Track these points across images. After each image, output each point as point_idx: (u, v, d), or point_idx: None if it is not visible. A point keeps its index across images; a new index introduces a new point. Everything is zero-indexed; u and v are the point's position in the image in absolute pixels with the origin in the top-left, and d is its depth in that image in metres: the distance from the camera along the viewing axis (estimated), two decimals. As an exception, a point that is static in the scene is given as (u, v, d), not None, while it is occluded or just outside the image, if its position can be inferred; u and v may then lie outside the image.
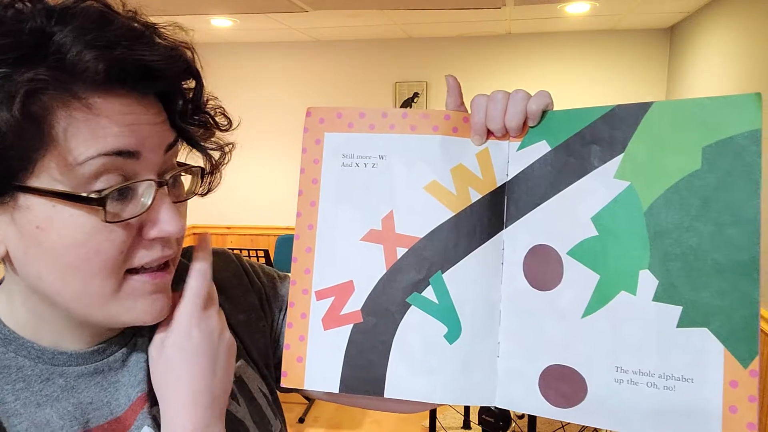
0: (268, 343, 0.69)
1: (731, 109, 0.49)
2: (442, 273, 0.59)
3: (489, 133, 0.59)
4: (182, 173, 0.54)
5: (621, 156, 0.53)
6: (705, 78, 3.22)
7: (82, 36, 0.44)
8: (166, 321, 0.54)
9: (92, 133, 0.44)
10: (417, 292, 0.59)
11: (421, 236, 0.60)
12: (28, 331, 0.51)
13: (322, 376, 0.60)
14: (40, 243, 0.46)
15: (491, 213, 0.59)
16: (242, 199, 4.46)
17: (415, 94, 4.19)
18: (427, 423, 2.97)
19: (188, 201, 0.57)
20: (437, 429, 3.00)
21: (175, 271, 0.55)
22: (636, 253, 0.52)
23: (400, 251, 0.60)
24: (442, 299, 0.59)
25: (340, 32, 4.03)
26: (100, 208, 0.45)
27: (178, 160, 0.55)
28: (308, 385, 0.60)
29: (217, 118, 0.57)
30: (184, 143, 0.56)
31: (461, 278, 0.59)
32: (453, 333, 0.59)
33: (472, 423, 3.07)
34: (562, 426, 2.90)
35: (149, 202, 0.48)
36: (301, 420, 3.20)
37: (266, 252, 3.42)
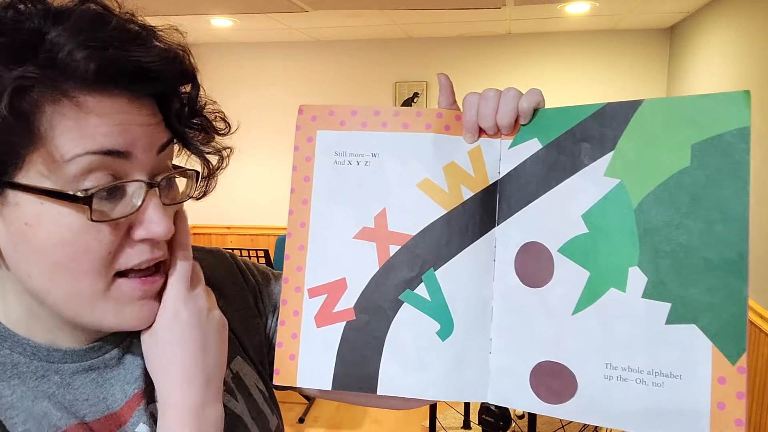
0: (263, 340, 0.69)
1: (720, 106, 0.49)
2: (435, 270, 0.59)
3: (481, 131, 0.59)
4: (177, 176, 0.54)
5: (611, 153, 0.54)
6: (705, 78, 3.22)
7: (75, 35, 0.44)
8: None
9: (81, 131, 0.44)
10: (410, 289, 0.60)
11: (414, 234, 0.60)
12: (23, 328, 0.51)
13: (314, 374, 0.60)
14: (29, 240, 0.46)
15: (483, 210, 0.59)
16: (242, 200, 4.46)
17: (415, 94, 4.20)
18: (427, 423, 2.97)
19: (188, 202, 0.57)
20: (437, 429, 3.00)
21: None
22: (626, 250, 0.52)
23: (393, 249, 0.60)
24: (435, 296, 0.59)
25: (340, 32, 4.03)
26: (86, 206, 0.45)
27: (176, 164, 0.55)
28: (301, 383, 0.60)
29: (215, 123, 0.57)
30: (182, 147, 0.56)
31: (454, 275, 0.59)
32: (445, 330, 0.59)
33: (472, 423, 3.07)
34: (562, 426, 2.90)
35: (139, 203, 0.48)
36: (301, 420, 3.21)
37: (266, 252, 3.43)
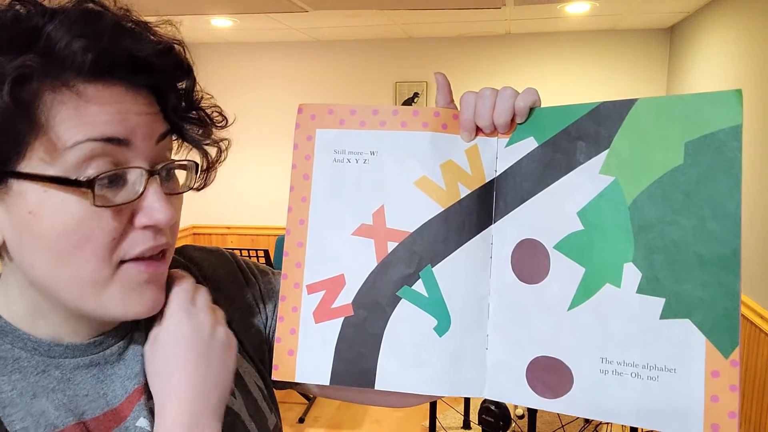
0: (263, 339, 0.69)
1: (713, 105, 0.50)
2: (432, 267, 0.60)
3: (478, 130, 0.60)
4: (176, 168, 0.55)
5: (606, 152, 0.54)
6: (705, 78, 3.22)
7: (71, 28, 0.45)
8: (159, 318, 0.55)
9: (81, 119, 0.46)
10: (407, 285, 0.60)
11: (412, 231, 0.60)
12: (25, 323, 0.52)
13: (313, 369, 0.61)
14: (33, 229, 0.47)
15: (480, 208, 0.60)
16: (242, 199, 4.47)
17: (415, 94, 4.20)
18: (427, 423, 2.98)
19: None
20: (437, 429, 3.00)
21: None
22: (620, 246, 0.53)
23: (391, 245, 0.61)
24: (432, 292, 0.60)
25: (340, 32, 4.04)
26: (89, 191, 0.46)
27: (175, 158, 0.55)
28: (299, 378, 0.61)
29: (212, 117, 0.58)
30: (180, 140, 0.56)
31: (451, 272, 0.59)
32: (443, 326, 0.59)
33: (472, 423, 3.07)
34: (562, 426, 2.90)
35: (140, 190, 0.49)
36: (301, 420, 3.21)
37: (266, 252, 3.43)
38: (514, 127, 0.59)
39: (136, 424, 0.53)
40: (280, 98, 4.38)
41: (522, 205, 0.58)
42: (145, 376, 0.55)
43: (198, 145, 0.57)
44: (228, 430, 0.56)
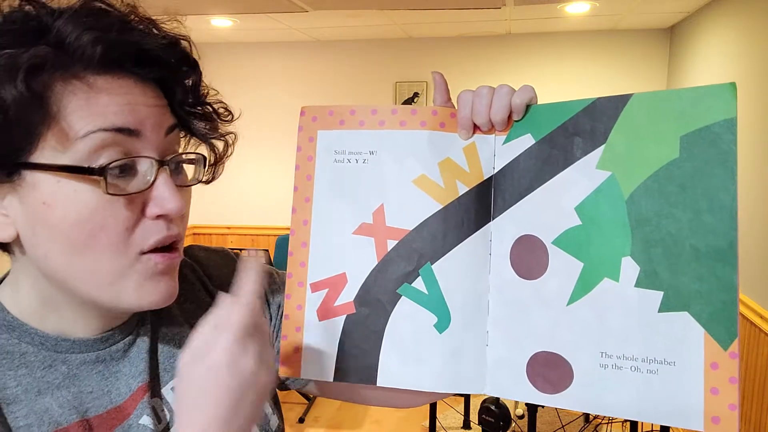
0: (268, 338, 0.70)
1: (707, 99, 0.50)
2: (432, 264, 0.60)
3: (475, 128, 0.60)
4: (185, 161, 0.56)
5: (602, 147, 0.55)
6: (705, 78, 3.22)
7: (81, 22, 0.47)
8: (202, 340, 0.49)
9: (92, 109, 0.47)
10: (407, 283, 0.61)
11: (411, 228, 0.61)
12: (34, 318, 0.52)
13: (317, 366, 0.62)
14: (47, 220, 0.47)
15: (479, 205, 0.60)
16: (242, 199, 4.47)
17: (415, 94, 4.20)
18: (427, 423, 2.98)
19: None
20: (437, 429, 3.00)
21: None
22: (618, 240, 0.53)
23: (391, 243, 0.61)
24: (432, 290, 0.60)
25: (340, 32, 4.04)
26: (101, 178, 0.47)
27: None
28: (304, 374, 0.62)
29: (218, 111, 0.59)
30: (187, 136, 0.57)
31: (450, 269, 0.60)
32: (443, 322, 0.60)
33: (472, 423, 3.07)
34: (562, 426, 2.90)
35: (151, 179, 0.50)
36: (301, 420, 3.21)
37: (266, 252, 3.44)
38: (511, 124, 0.59)
39: (139, 422, 0.54)
40: (280, 98, 4.38)
41: (520, 202, 0.58)
42: (149, 373, 0.56)
43: (205, 139, 0.58)
44: None
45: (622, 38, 3.95)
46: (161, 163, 0.51)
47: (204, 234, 4.59)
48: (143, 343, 0.57)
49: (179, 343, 0.60)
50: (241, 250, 3.40)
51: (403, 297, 0.61)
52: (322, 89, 4.36)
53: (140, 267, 0.51)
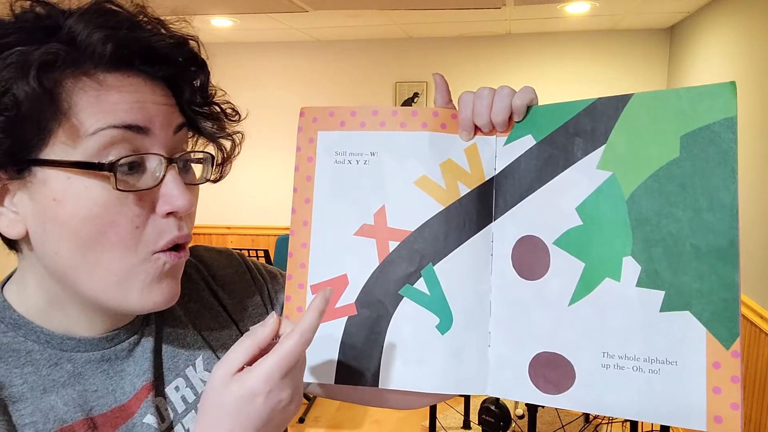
0: None
1: (707, 98, 0.50)
2: (433, 265, 0.60)
3: (476, 129, 0.60)
4: (193, 160, 0.56)
5: (603, 147, 0.55)
6: (705, 78, 3.22)
7: (91, 21, 0.47)
8: (243, 353, 0.49)
9: (102, 106, 0.47)
10: (409, 284, 0.61)
11: (412, 230, 0.61)
12: (40, 317, 0.52)
13: (318, 369, 0.61)
14: (57, 216, 0.47)
15: (480, 206, 0.60)
16: (243, 199, 4.47)
17: (415, 94, 4.20)
18: (427, 423, 2.98)
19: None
20: (437, 429, 3.00)
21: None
22: (619, 240, 0.53)
23: (392, 245, 0.61)
24: (434, 291, 0.60)
25: (340, 32, 4.04)
26: (111, 174, 0.47)
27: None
28: (306, 378, 0.61)
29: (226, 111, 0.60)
30: (195, 136, 0.58)
31: (452, 270, 0.60)
32: (445, 323, 0.60)
33: (472, 423, 3.07)
34: (563, 426, 2.90)
35: (160, 176, 0.50)
36: (301, 420, 3.21)
37: (266, 252, 3.44)
38: (512, 125, 0.59)
39: (143, 421, 0.54)
40: (280, 98, 4.38)
41: (521, 202, 0.58)
42: (153, 373, 0.56)
43: (213, 139, 0.58)
44: None
45: (622, 38, 3.95)
46: (170, 161, 0.51)
47: (204, 234, 4.59)
48: (148, 342, 0.58)
49: (183, 342, 0.61)
50: (241, 250, 3.40)
51: (404, 298, 0.61)
52: (322, 89, 4.35)
53: (148, 266, 0.51)
